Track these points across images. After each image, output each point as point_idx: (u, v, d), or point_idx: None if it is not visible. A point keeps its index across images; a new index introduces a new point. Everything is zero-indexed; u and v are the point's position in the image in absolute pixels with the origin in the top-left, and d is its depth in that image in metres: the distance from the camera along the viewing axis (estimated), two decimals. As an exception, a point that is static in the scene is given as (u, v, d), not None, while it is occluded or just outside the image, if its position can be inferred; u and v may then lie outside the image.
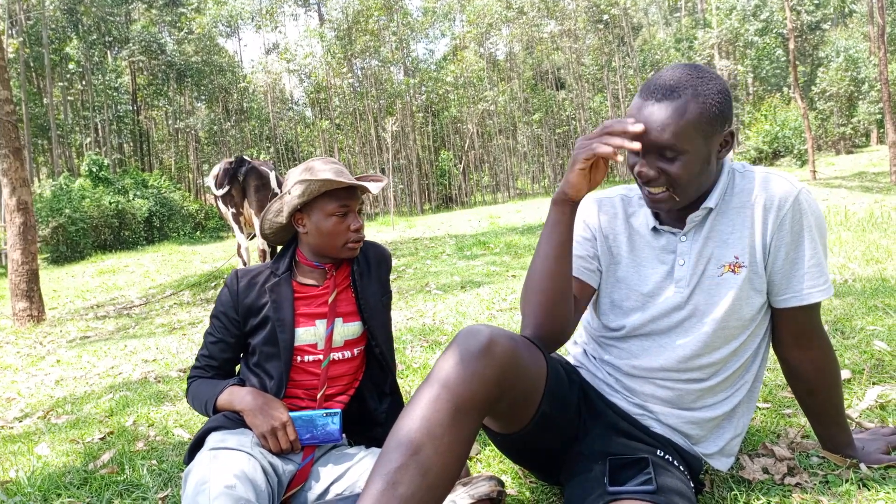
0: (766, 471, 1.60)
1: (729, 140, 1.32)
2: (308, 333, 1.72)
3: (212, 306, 1.77)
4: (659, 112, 1.25)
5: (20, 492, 2.04)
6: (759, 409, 2.03)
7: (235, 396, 1.66)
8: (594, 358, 1.58)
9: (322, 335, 1.72)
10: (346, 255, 1.74)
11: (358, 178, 1.78)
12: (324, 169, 1.69)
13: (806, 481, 1.52)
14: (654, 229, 1.44)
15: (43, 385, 3.92)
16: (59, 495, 2.01)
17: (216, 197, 7.41)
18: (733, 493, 1.51)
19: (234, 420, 1.64)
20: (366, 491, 1.12)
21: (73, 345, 5.47)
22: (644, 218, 1.47)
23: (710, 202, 1.36)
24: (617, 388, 1.51)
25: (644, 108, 1.28)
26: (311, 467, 1.70)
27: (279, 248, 1.86)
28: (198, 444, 1.61)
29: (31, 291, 6.87)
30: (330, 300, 1.74)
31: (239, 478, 1.43)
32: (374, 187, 1.73)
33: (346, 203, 1.69)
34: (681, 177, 1.28)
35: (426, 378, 1.23)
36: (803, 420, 1.88)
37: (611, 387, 1.52)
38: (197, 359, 1.80)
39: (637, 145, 1.23)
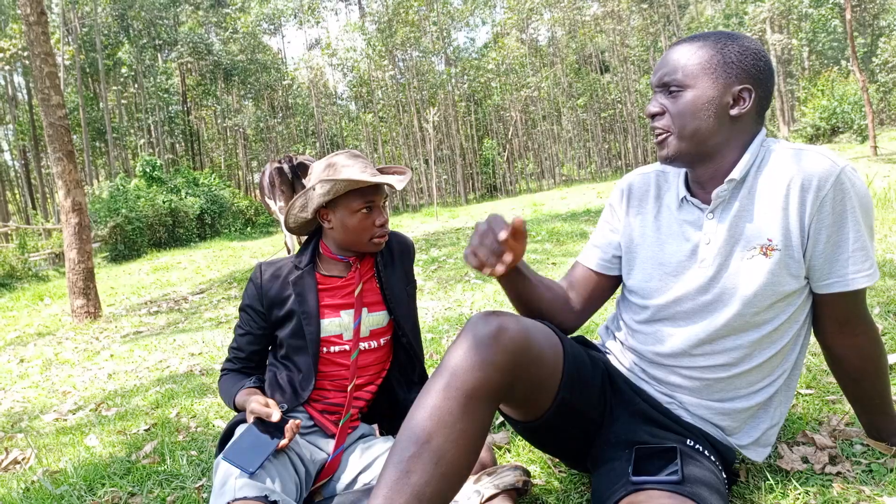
0: (805, 460, 1.53)
1: (745, 97, 1.26)
2: (333, 324, 1.72)
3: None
4: (677, 51, 1.30)
5: (66, 481, 2.12)
6: (802, 395, 1.94)
7: (250, 399, 1.64)
8: (622, 343, 1.54)
9: (347, 325, 1.73)
10: (372, 249, 1.73)
11: (381, 170, 1.76)
12: (348, 165, 1.67)
13: (848, 470, 1.45)
14: (683, 200, 1.38)
15: (96, 379, 4.07)
16: (102, 485, 2.09)
17: (263, 193, 7.55)
18: (768, 483, 1.45)
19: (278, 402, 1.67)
20: (380, 480, 1.12)
21: (126, 340, 5.67)
22: (675, 190, 1.41)
23: (735, 174, 1.27)
24: (643, 378, 1.46)
25: (667, 52, 1.33)
26: (341, 458, 1.71)
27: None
28: (228, 435, 1.64)
29: (88, 289, 7.15)
30: (356, 292, 1.74)
31: (265, 468, 1.45)
32: (398, 184, 1.68)
33: (372, 199, 1.67)
34: (678, 113, 1.27)
35: (437, 367, 1.22)
36: (847, 407, 1.79)
37: (637, 376, 1.48)
38: (228, 352, 1.83)
39: (501, 269, 1.21)
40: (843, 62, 33.41)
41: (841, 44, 33.74)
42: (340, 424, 1.70)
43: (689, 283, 1.35)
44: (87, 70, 33.64)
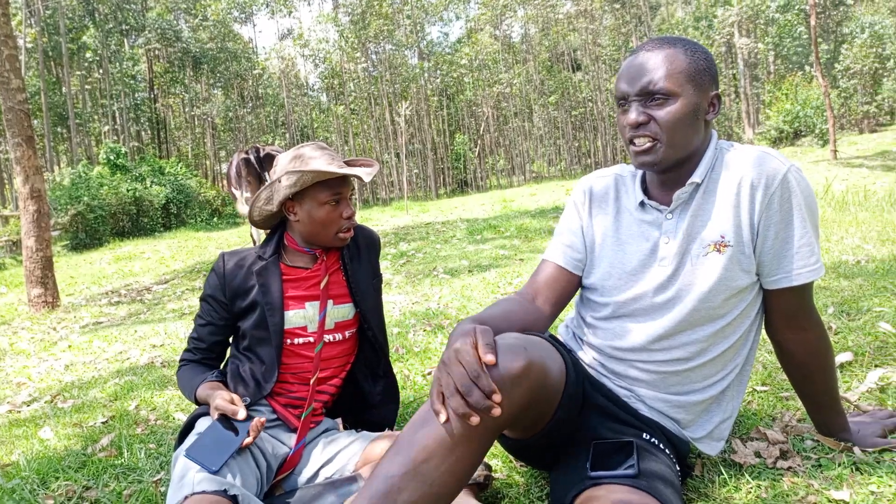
0: (758, 454, 1.56)
1: (715, 103, 1.31)
2: (297, 316, 1.71)
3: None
4: (653, 57, 1.28)
5: (18, 475, 2.07)
6: (757, 392, 1.99)
7: (212, 396, 1.60)
8: (580, 340, 1.56)
9: (312, 317, 1.72)
10: (338, 243, 1.73)
11: (348, 163, 1.76)
12: (315, 157, 1.66)
13: (798, 465, 1.49)
14: (642, 204, 1.41)
15: (53, 370, 3.97)
16: (56, 478, 2.04)
17: (230, 184, 7.45)
18: (722, 476, 1.48)
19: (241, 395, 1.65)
20: (367, 488, 1.09)
21: (85, 330, 5.54)
22: (633, 194, 1.44)
23: (696, 177, 1.32)
24: (602, 372, 1.48)
25: (637, 57, 1.31)
26: (302, 452, 1.70)
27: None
28: (188, 429, 1.61)
29: (46, 278, 6.96)
30: (322, 284, 1.73)
31: (225, 463, 1.43)
32: (366, 176, 1.67)
33: (339, 191, 1.67)
34: (668, 122, 1.27)
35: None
36: (799, 403, 1.84)
37: (597, 371, 1.49)
38: (188, 342, 1.79)
39: (498, 410, 1.03)
40: (807, 67, 34.21)
41: (805, 49, 34.54)
42: (302, 418, 1.69)
43: (649, 282, 1.38)
44: (50, 54, 32.68)
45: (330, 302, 1.74)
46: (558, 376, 1.22)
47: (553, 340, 1.33)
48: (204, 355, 1.78)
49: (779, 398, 1.92)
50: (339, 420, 1.87)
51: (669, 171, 1.36)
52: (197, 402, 1.68)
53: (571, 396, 1.29)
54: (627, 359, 1.42)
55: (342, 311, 1.77)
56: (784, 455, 1.55)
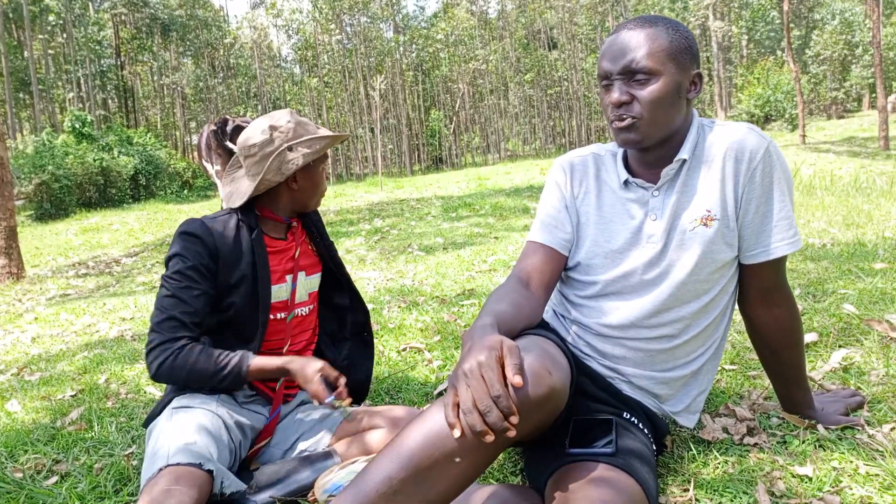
0: (725, 430, 1.61)
1: (697, 82, 1.33)
2: (281, 290, 1.69)
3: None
4: (635, 36, 1.28)
5: (-15, 448, 2.03)
6: (725, 370, 2.04)
7: (270, 360, 1.56)
8: (563, 317, 1.55)
9: (288, 290, 1.71)
10: (316, 206, 1.76)
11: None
12: (310, 124, 1.69)
13: (764, 441, 1.53)
14: (626, 182, 1.40)
15: (19, 342, 3.89)
16: (25, 451, 2.01)
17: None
18: (691, 452, 1.52)
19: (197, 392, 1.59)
20: (361, 481, 1.06)
21: (52, 302, 5.43)
22: (615, 173, 1.43)
23: (684, 153, 1.33)
24: (587, 353, 1.48)
25: (619, 36, 1.30)
26: (277, 424, 1.70)
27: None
28: (160, 409, 1.58)
29: (10, 248, 6.79)
30: (296, 254, 1.73)
31: (199, 433, 1.43)
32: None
33: (327, 157, 1.73)
34: (650, 101, 1.27)
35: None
36: (767, 382, 1.89)
37: (581, 351, 1.49)
38: (171, 323, 1.53)
39: (513, 433, 0.99)
40: (779, 52, 34.62)
41: (778, 34, 34.92)
42: (277, 388, 1.69)
43: (636, 259, 1.38)
44: (11, 16, 31.46)
45: (302, 273, 1.74)
46: (568, 388, 1.19)
47: (557, 339, 1.28)
48: (199, 332, 1.59)
49: (746, 377, 1.97)
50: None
51: (653, 149, 1.36)
52: (236, 384, 1.55)
53: (572, 399, 1.26)
54: (615, 336, 1.42)
55: (314, 282, 1.78)
56: (751, 432, 1.59)
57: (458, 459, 1.04)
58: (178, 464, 1.30)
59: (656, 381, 1.44)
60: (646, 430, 1.38)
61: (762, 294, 1.42)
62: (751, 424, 1.62)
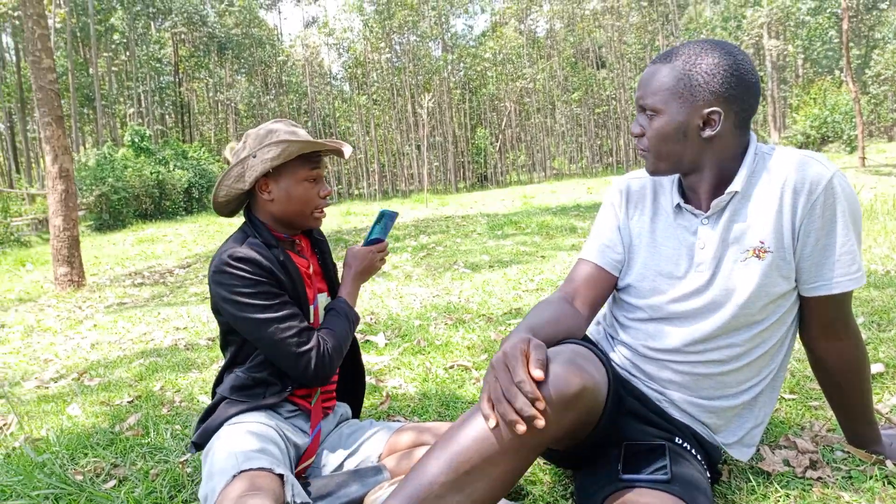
0: (787, 463, 1.55)
1: (714, 119, 1.27)
2: (312, 311, 1.67)
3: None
4: (650, 72, 1.32)
5: (48, 450, 2.11)
6: (785, 399, 1.98)
7: (346, 288, 1.72)
8: (612, 338, 1.55)
9: (319, 311, 1.70)
10: (312, 224, 1.65)
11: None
12: (291, 131, 1.60)
13: (828, 476, 1.47)
14: (678, 206, 1.40)
15: (79, 348, 4.04)
16: (85, 454, 2.07)
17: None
18: (751, 484, 1.47)
19: (247, 398, 1.59)
20: (407, 487, 1.09)
21: (110, 310, 5.62)
22: (670, 196, 1.43)
23: (736, 185, 1.30)
24: (635, 374, 1.47)
25: (646, 70, 1.36)
26: (321, 440, 1.70)
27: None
28: (208, 414, 1.59)
29: (72, 257, 7.07)
30: (311, 271, 1.71)
31: (264, 442, 1.43)
32: (346, 150, 1.65)
33: (317, 167, 1.61)
34: (653, 137, 1.32)
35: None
36: (829, 413, 1.83)
37: (628, 371, 1.48)
38: (301, 337, 1.53)
39: (542, 422, 1.02)
40: (837, 72, 33.66)
41: (836, 53, 33.97)
42: (313, 402, 1.68)
43: (685, 286, 1.37)
44: (78, 35, 33.06)
45: (323, 294, 1.73)
46: (604, 393, 1.21)
47: (596, 349, 1.30)
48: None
49: (807, 407, 1.90)
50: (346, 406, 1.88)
51: (685, 178, 1.37)
52: (356, 327, 1.70)
53: (611, 408, 1.28)
54: (661, 359, 1.41)
55: (325, 301, 1.74)
56: (814, 465, 1.54)
57: (497, 464, 1.07)
58: (251, 469, 1.29)
59: (704, 409, 1.40)
60: (699, 457, 1.34)
61: (824, 327, 1.37)
62: (813, 457, 1.56)
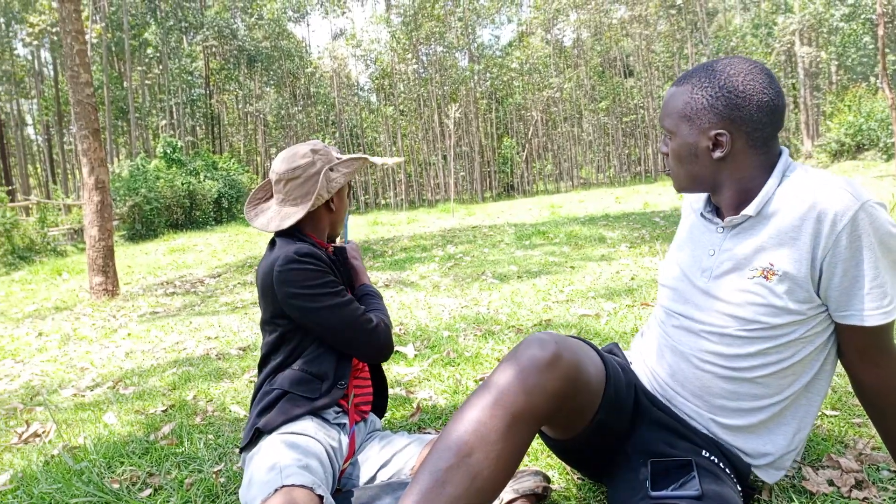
0: (831, 483, 1.51)
1: (722, 141, 1.29)
2: None
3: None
4: (667, 95, 1.39)
5: (86, 458, 2.14)
6: (826, 416, 1.92)
7: (364, 276, 1.89)
8: (642, 352, 1.59)
9: None
10: (340, 230, 1.88)
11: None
12: (334, 149, 1.80)
13: (875, 496, 1.43)
14: (702, 215, 1.46)
15: (114, 357, 4.11)
16: (121, 463, 2.10)
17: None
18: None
19: (307, 392, 1.62)
20: (413, 484, 1.13)
21: (143, 319, 5.72)
22: (701, 202, 1.48)
23: (749, 210, 1.30)
24: (655, 384, 1.48)
25: (667, 91, 1.42)
26: (356, 450, 1.71)
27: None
28: (266, 416, 1.62)
29: (107, 267, 7.22)
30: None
31: (310, 457, 1.44)
32: (391, 162, 1.90)
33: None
34: (671, 157, 1.39)
35: (485, 382, 1.22)
36: (874, 430, 1.77)
37: (648, 375, 1.50)
38: (364, 314, 1.67)
39: None
40: (872, 78, 32.96)
41: (871, 60, 33.28)
42: (350, 402, 1.72)
43: (691, 289, 1.41)
44: (113, 49, 33.90)
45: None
46: (595, 375, 1.29)
47: (592, 346, 1.39)
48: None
49: (850, 424, 1.85)
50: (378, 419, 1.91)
51: (720, 196, 1.38)
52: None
53: (614, 400, 1.33)
54: (676, 363, 1.43)
55: None
56: (859, 485, 1.49)
57: (495, 444, 1.13)
58: (293, 485, 1.30)
59: (721, 427, 1.37)
60: (727, 470, 1.32)
61: (860, 354, 1.32)
62: (858, 477, 1.52)
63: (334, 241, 1.89)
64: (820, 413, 1.95)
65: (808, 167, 1.33)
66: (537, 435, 1.92)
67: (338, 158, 1.77)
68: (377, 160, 1.84)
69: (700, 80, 1.31)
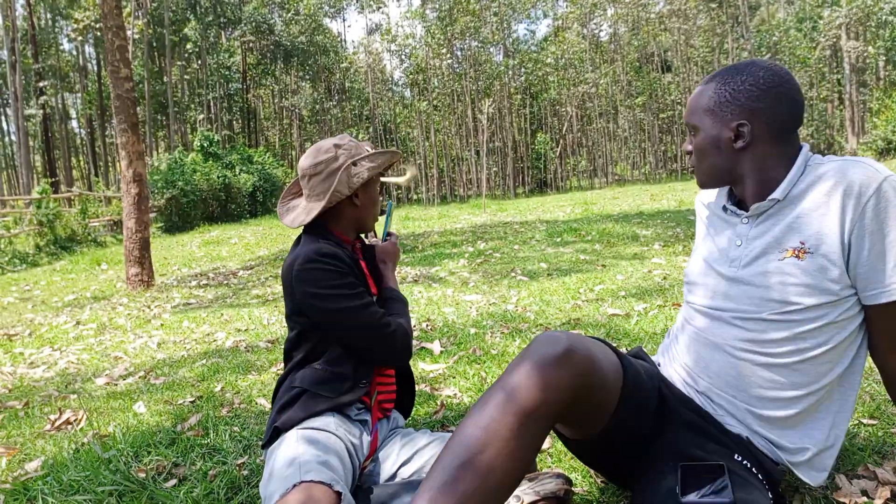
0: (865, 494, 1.45)
1: (743, 132, 1.35)
2: None
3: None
4: (693, 94, 1.46)
5: (115, 446, 2.18)
6: (864, 425, 1.85)
7: (392, 280, 1.83)
8: (670, 349, 1.58)
9: None
10: (372, 226, 1.83)
11: None
12: (360, 143, 1.77)
13: (913, 511, 1.37)
14: (724, 208, 1.48)
15: (147, 347, 4.19)
16: (148, 452, 2.14)
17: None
18: (826, 516, 1.38)
19: (329, 391, 1.62)
20: (427, 481, 1.12)
21: (176, 310, 5.82)
22: (724, 194, 1.51)
23: (777, 193, 1.34)
24: (688, 381, 1.47)
25: (693, 92, 1.52)
26: (378, 447, 1.70)
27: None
28: (286, 413, 1.62)
29: (143, 258, 7.37)
30: (367, 272, 1.79)
31: (329, 454, 1.44)
32: (406, 176, 1.95)
33: (381, 174, 1.80)
34: (696, 152, 1.44)
35: (498, 380, 1.22)
36: (915, 442, 1.70)
37: (680, 376, 1.50)
38: (382, 317, 1.64)
39: None
40: (922, 74, 31.83)
41: (920, 54, 32.15)
42: (373, 400, 1.71)
43: (719, 280, 1.42)
44: (154, 45, 34.61)
45: (375, 297, 1.78)
46: (612, 373, 1.28)
47: (610, 345, 1.39)
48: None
49: (888, 433, 1.78)
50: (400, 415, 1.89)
51: (744, 188, 1.42)
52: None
53: (633, 399, 1.32)
54: (709, 354, 1.43)
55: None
56: (895, 497, 1.43)
57: (508, 442, 1.13)
58: (311, 481, 1.30)
59: (756, 418, 1.36)
60: (759, 475, 1.30)
61: (891, 339, 1.30)
62: (895, 489, 1.46)
63: (366, 237, 1.85)
64: (857, 421, 1.88)
65: (830, 156, 1.36)
66: (555, 436, 1.91)
67: (367, 153, 1.75)
68: (388, 180, 1.85)
69: (723, 77, 1.38)
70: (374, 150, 1.75)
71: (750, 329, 1.35)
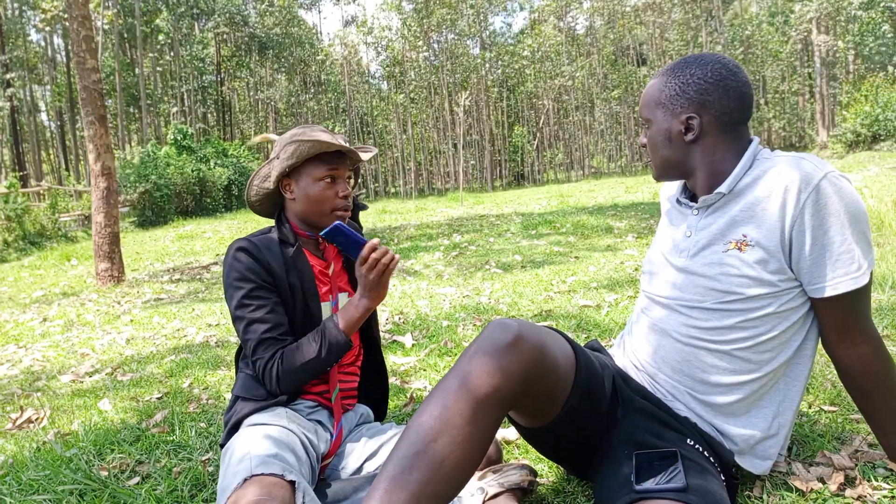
0: (821, 480, 1.48)
1: (692, 125, 1.39)
2: (326, 308, 1.68)
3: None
4: (646, 88, 1.50)
5: (77, 444, 2.14)
6: (824, 412, 1.88)
7: (349, 311, 1.57)
8: (626, 337, 1.63)
9: (331, 309, 1.70)
10: (332, 223, 1.66)
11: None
12: (314, 131, 1.66)
13: (868, 494, 1.39)
14: (677, 201, 1.53)
15: (115, 343, 4.12)
16: (112, 450, 2.10)
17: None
18: (783, 501, 1.40)
19: (263, 398, 1.59)
20: (381, 472, 1.13)
21: (146, 306, 5.73)
22: (678, 188, 1.56)
23: (723, 188, 1.38)
24: (637, 365, 1.52)
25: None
26: (343, 441, 1.69)
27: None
28: (234, 426, 1.60)
29: (113, 253, 7.24)
30: (330, 272, 1.71)
31: (278, 447, 1.43)
32: (365, 155, 1.72)
33: (335, 168, 1.64)
34: (649, 145, 1.48)
35: (452, 368, 1.23)
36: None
37: (632, 363, 1.54)
38: (264, 345, 1.55)
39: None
40: (890, 68, 32.42)
41: (889, 49, 32.73)
42: (333, 399, 1.67)
43: (669, 269, 1.47)
44: (125, 36, 33.96)
45: (343, 294, 1.73)
46: (564, 360, 1.30)
47: (563, 334, 1.41)
48: (292, 336, 1.60)
49: (848, 420, 1.81)
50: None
51: (695, 180, 1.46)
52: (346, 349, 1.57)
53: (586, 386, 1.34)
54: (656, 340, 1.47)
55: (346, 301, 1.74)
56: (851, 482, 1.46)
57: (461, 429, 1.14)
58: (262, 474, 1.29)
59: (700, 403, 1.41)
60: (711, 458, 1.34)
61: (839, 331, 1.35)
62: (850, 474, 1.48)
63: (321, 232, 1.77)
64: (818, 408, 1.91)
65: (779, 151, 1.40)
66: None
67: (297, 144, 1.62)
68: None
69: (673, 71, 1.41)
70: (297, 140, 1.60)
71: (695, 317, 1.39)
